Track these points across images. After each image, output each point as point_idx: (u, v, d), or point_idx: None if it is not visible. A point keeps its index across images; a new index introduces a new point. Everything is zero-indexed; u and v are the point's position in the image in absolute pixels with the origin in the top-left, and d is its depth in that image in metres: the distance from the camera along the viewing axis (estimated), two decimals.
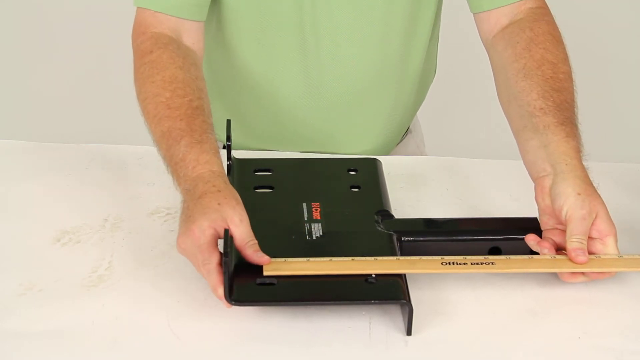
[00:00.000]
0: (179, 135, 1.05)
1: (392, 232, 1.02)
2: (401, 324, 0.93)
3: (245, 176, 1.11)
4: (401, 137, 1.42)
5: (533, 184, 1.08)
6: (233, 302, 0.90)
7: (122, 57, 2.38)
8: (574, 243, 0.97)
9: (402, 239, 1.01)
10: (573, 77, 1.14)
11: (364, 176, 1.13)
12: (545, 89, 1.10)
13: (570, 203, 0.99)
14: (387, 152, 1.37)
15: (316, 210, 1.04)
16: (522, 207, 1.14)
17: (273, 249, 0.96)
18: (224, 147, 1.17)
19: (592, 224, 0.99)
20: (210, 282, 0.93)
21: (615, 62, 2.36)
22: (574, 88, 1.13)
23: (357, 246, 0.99)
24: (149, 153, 1.23)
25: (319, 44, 1.23)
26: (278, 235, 1.01)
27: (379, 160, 1.17)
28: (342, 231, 1.03)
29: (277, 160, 1.17)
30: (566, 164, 1.03)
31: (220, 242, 0.93)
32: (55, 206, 1.11)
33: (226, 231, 0.93)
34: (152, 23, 1.17)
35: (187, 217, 0.97)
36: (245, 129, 1.33)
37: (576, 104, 1.12)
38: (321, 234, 1.01)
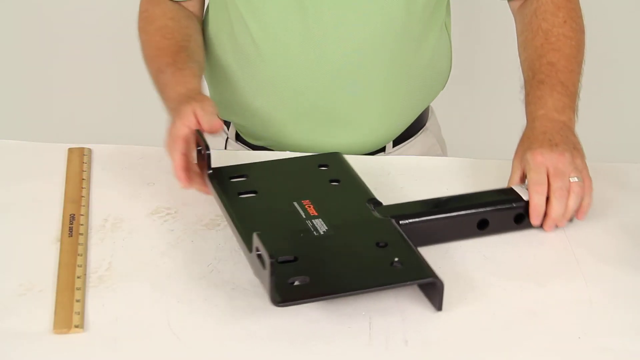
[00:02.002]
0: (165, 67, 1.22)
1: (389, 218, 1.04)
2: (401, 324, 0.93)
3: (225, 184, 1.10)
4: (409, 130, 1.39)
5: None
6: (279, 304, 0.90)
7: (123, 57, 2.38)
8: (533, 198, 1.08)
9: (400, 222, 1.03)
10: (573, 33, 1.26)
11: (336, 170, 1.14)
12: (534, 58, 1.24)
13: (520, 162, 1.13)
14: (389, 139, 1.36)
15: (309, 207, 1.04)
16: None
17: (285, 249, 0.96)
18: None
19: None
20: (172, 165, 1.08)
21: (616, 62, 2.36)
22: (574, 43, 1.26)
23: (366, 234, 1.01)
24: (149, 153, 1.24)
25: (319, 10, 1.23)
26: (285, 236, 1.00)
27: (341, 153, 1.19)
28: (345, 223, 1.03)
29: (249, 165, 1.17)
30: (530, 121, 1.17)
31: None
32: (55, 206, 1.11)
33: (198, 131, 1.09)
34: None
35: (171, 117, 1.13)
36: (244, 105, 1.33)
37: (572, 57, 1.25)
38: (326, 228, 1.01)
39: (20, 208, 1.12)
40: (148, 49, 1.28)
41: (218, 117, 1.12)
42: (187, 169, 1.09)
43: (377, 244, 0.99)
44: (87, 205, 1.12)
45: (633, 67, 2.36)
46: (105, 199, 1.14)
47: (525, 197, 1.08)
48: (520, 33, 1.30)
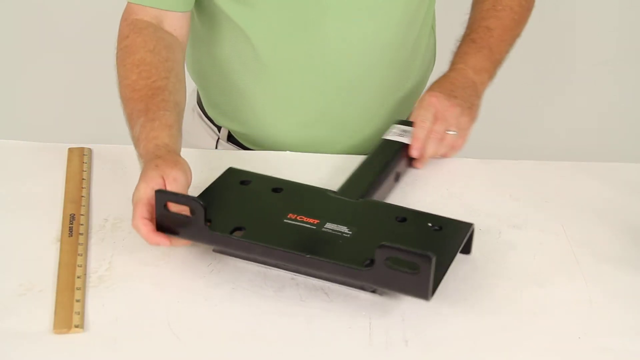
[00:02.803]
0: (138, 116, 1.13)
1: (362, 199, 1.07)
2: (401, 324, 0.93)
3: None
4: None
5: (533, 184, 1.13)
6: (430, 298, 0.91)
7: None
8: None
9: (365, 198, 1.08)
10: (519, 8, 1.33)
11: (289, 192, 1.10)
12: (477, 19, 1.31)
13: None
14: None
15: (309, 217, 1.02)
16: (522, 207, 1.14)
17: (369, 250, 0.94)
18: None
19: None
20: (141, 234, 0.99)
21: (616, 62, 2.36)
22: (516, 17, 1.33)
23: (379, 219, 1.04)
24: None
25: (321, 24, 1.23)
26: (320, 241, 0.99)
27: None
28: (348, 216, 1.03)
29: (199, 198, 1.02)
30: (448, 71, 1.27)
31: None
32: (55, 206, 1.11)
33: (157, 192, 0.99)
34: (136, 11, 1.23)
35: (138, 181, 1.03)
36: (247, 114, 1.33)
37: (509, 29, 1.32)
38: (345, 228, 1.00)
39: (20, 208, 1.12)
40: (124, 87, 1.19)
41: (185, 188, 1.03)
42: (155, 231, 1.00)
43: (397, 219, 1.03)
44: (87, 205, 1.12)
45: (633, 67, 2.36)
46: (105, 199, 1.14)
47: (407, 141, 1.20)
48: None
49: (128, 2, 1.25)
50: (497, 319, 0.95)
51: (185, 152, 1.25)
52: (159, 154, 1.06)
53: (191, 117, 1.43)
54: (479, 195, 1.16)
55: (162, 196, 0.98)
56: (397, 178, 1.18)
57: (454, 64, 1.28)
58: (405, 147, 1.19)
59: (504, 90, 2.43)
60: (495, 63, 1.30)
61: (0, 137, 1.27)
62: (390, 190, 1.16)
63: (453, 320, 0.94)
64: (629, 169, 1.24)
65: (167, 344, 0.90)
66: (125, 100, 1.17)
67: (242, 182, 1.09)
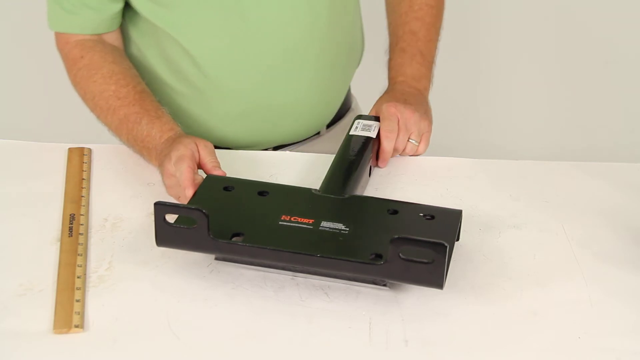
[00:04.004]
0: (137, 117, 1.19)
1: (350, 195, 1.08)
2: (401, 324, 0.93)
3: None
4: (338, 112, 1.45)
5: (533, 184, 1.13)
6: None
7: None
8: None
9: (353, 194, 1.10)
10: (434, 2, 1.35)
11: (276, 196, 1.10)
12: (398, 24, 1.35)
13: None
14: (323, 124, 1.41)
15: (303, 218, 1.02)
16: (522, 207, 1.14)
17: (376, 244, 0.96)
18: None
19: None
20: (181, 179, 1.06)
21: (616, 62, 2.36)
22: (434, 11, 1.35)
23: (371, 212, 1.05)
24: None
25: (246, 14, 1.24)
26: (322, 240, 0.99)
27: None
28: (348, 212, 1.04)
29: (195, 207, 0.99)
30: (391, 85, 1.32)
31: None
32: (55, 206, 1.11)
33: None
34: (72, 35, 1.28)
35: (164, 157, 1.11)
36: (182, 112, 1.33)
37: (432, 25, 1.35)
38: (344, 225, 1.00)
39: (20, 208, 1.12)
40: (104, 99, 1.22)
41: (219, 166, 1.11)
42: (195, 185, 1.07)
43: (389, 212, 1.04)
44: (87, 205, 1.12)
45: (633, 67, 2.36)
46: (105, 199, 1.14)
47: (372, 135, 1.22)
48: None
49: (57, 32, 1.30)
50: (497, 319, 0.95)
51: None
52: (176, 138, 1.14)
53: None
54: (479, 195, 1.16)
55: (162, 208, 0.97)
56: (370, 172, 1.20)
57: (392, 78, 1.32)
58: (371, 141, 1.21)
59: (504, 90, 2.43)
60: (429, 65, 1.34)
61: (0, 137, 1.27)
62: (366, 184, 1.18)
63: (453, 320, 0.94)
64: (629, 169, 1.24)
65: (167, 344, 0.90)
66: (112, 109, 1.22)
67: (225, 189, 1.09)
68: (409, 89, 1.29)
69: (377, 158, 1.22)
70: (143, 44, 1.32)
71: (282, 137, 1.37)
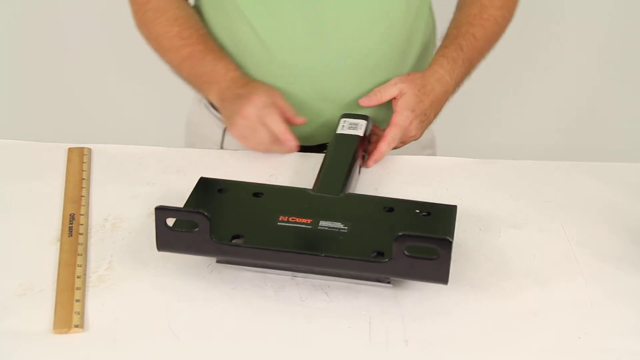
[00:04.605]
0: (201, 54, 1.26)
1: (346, 193, 1.09)
2: (401, 324, 0.93)
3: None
4: None
5: (533, 184, 1.14)
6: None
7: (123, 57, 2.38)
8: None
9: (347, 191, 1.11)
10: (502, 20, 1.35)
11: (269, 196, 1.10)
12: (463, 22, 1.32)
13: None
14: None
15: (301, 218, 1.02)
16: (522, 207, 1.14)
17: (377, 243, 0.97)
18: None
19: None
20: (278, 130, 1.17)
21: (616, 61, 2.36)
22: (497, 29, 1.34)
23: (367, 210, 1.06)
24: (149, 153, 1.24)
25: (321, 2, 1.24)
26: (323, 240, 0.99)
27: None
28: (345, 211, 1.04)
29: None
30: (433, 71, 1.28)
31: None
32: (55, 206, 1.11)
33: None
34: None
35: (239, 96, 1.20)
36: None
37: (489, 41, 1.34)
38: (342, 224, 1.01)
39: (20, 208, 1.12)
40: (168, 39, 1.29)
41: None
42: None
43: (385, 209, 1.05)
44: (87, 205, 1.12)
45: (633, 67, 2.36)
46: (105, 199, 1.14)
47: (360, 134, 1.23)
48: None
49: None
50: (497, 319, 0.95)
51: (184, 153, 1.26)
52: (249, 81, 1.22)
53: (198, 108, 1.45)
54: (479, 195, 1.16)
55: (163, 213, 0.96)
56: (359, 170, 1.20)
57: (440, 66, 1.28)
58: (359, 139, 1.21)
59: (504, 91, 2.43)
60: (467, 76, 1.33)
61: (0, 137, 1.27)
62: (357, 183, 1.18)
63: (453, 320, 0.94)
64: (629, 169, 1.24)
65: (167, 344, 0.90)
66: (175, 48, 1.28)
67: (220, 191, 1.09)
68: (441, 91, 1.27)
69: (363, 157, 1.22)
70: (212, 21, 1.33)
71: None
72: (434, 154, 1.48)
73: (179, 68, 1.29)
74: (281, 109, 1.20)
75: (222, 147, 1.39)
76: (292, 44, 1.27)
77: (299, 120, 1.22)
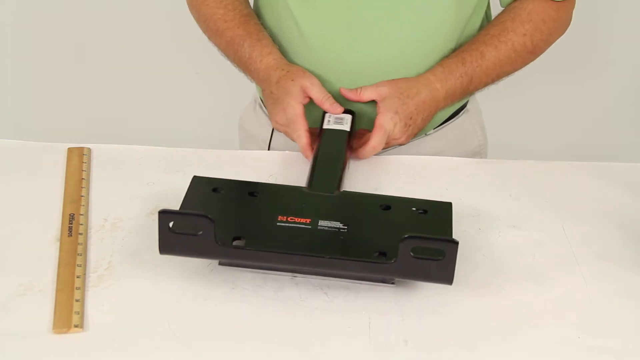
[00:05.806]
0: (241, 40, 1.29)
1: (342, 191, 1.10)
2: (401, 324, 0.93)
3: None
4: (453, 113, 1.39)
5: (533, 184, 1.12)
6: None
7: (123, 56, 2.38)
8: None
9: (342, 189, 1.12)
10: (522, 49, 1.30)
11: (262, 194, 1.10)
12: (477, 40, 1.29)
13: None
14: (433, 125, 1.36)
15: (300, 217, 1.02)
16: (522, 207, 1.14)
17: (380, 243, 0.97)
18: None
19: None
20: (300, 144, 1.20)
21: (616, 61, 2.36)
22: (513, 57, 1.30)
23: (365, 209, 1.05)
24: (149, 153, 1.24)
25: (364, 5, 1.24)
26: (323, 240, 0.99)
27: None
28: (342, 209, 1.04)
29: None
30: (429, 75, 1.27)
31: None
32: (55, 206, 1.11)
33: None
34: None
35: (275, 100, 1.24)
36: None
37: (499, 66, 1.29)
38: (341, 224, 1.01)
39: (20, 208, 1.12)
40: (213, 22, 1.32)
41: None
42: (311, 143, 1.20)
43: (382, 207, 1.05)
44: (87, 205, 1.12)
45: (633, 67, 2.36)
46: (105, 199, 1.14)
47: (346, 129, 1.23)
48: (501, 6, 1.34)
49: None
50: (497, 319, 0.95)
51: (184, 153, 1.25)
52: (284, 67, 1.25)
53: (252, 107, 1.47)
54: (479, 195, 1.16)
55: (166, 216, 0.95)
56: (348, 166, 1.20)
57: (439, 73, 1.26)
58: (346, 134, 1.21)
59: (504, 90, 2.43)
60: (465, 94, 1.30)
61: (0, 137, 1.27)
62: (345, 178, 1.17)
63: (453, 320, 0.94)
64: (629, 169, 1.24)
65: (167, 344, 0.90)
66: (220, 31, 1.32)
67: (214, 190, 1.08)
68: (432, 101, 1.25)
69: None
70: (263, 7, 1.35)
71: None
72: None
73: (225, 53, 1.33)
74: (316, 99, 1.22)
75: (269, 147, 1.40)
76: (332, 43, 1.27)
77: (335, 109, 1.23)
